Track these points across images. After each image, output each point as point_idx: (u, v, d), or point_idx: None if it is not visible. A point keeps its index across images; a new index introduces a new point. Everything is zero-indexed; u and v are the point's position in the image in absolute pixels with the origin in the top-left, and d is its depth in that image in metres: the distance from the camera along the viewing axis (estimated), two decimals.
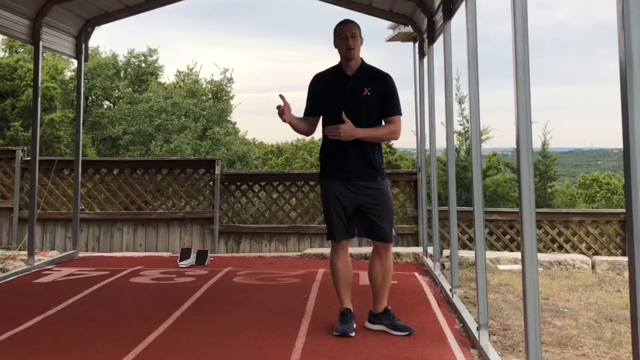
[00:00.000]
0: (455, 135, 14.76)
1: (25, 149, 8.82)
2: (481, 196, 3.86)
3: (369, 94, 3.96)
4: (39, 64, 6.49)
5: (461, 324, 4.20)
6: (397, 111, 4.02)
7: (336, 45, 4.04)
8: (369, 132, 3.92)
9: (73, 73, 20.90)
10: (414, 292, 5.25)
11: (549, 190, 16.13)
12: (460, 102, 14.10)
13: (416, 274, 6.11)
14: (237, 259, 7.18)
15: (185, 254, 6.70)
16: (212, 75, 28.77)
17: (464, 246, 8.07)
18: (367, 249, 7.28)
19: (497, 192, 14.87)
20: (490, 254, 6.89)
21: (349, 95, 3.96)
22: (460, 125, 14.53)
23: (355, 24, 4.05)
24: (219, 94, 22.88)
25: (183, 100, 21.45)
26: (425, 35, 6.49)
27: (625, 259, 6.70)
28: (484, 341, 3.64)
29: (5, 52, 19.82)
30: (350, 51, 3.96)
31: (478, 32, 3.99)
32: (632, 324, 2.04)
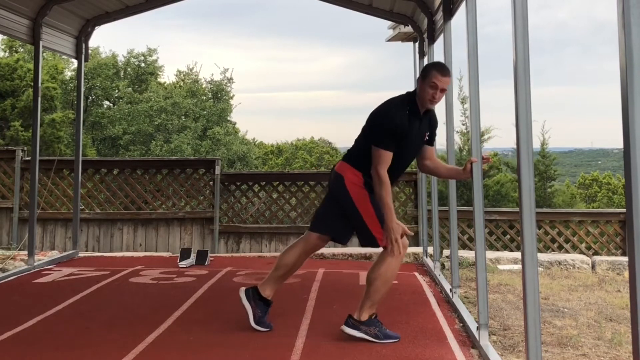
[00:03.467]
0: (457, 135, 14.83)
1: (25, 149, 8.81)
2: (481, 196, 3.86)
3: (427, 137, 3.97)
4: (39, 64, 6.48)
5: (461, 324, 4.20)
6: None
7: (423, 86, 3.77)
8: (386, 208, 3.76)
9: (73, 73, 20.89)
10: (414, 292, 5.25)
11: (549, 190, 16.11)
12: (463, 102, 14.13)
13: (416, 274, 6.11)
14: (237, 259, 7.18)
15: (185, 254, 6.70)
16: (212, 75, 28.77)
17: (464, 246, 8.07)
18: (367, 249, 7.27)
19: (500, 192, 14.87)
20: (490, 254, 6.90)
21: (419, 137, 3.89)
22: (463, 124, 14.56)
23: (451, 77, 3.89)
24: (219, 94, 22.87)
25: (183, 100, 21.45)
26: (425, 35, 6.49)
27: (625, 259, 6.70)
28: (484, 341, 3.65)
29: (5, 52, 19.81)
30: (432, 103, 3.81)
31: (478, 32, 4.00)
32: (632, 324, 2.04)
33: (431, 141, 4.04)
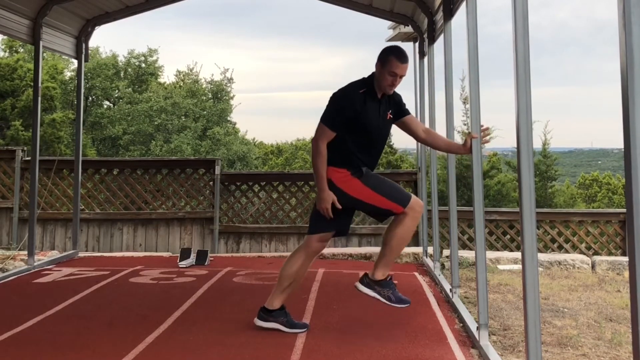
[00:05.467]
0: (459, 135, 14.81)
1: (25, 149, 8.81)
2: (481, 196, 3.86)
3: (390, 116, 3.96)
4: (39, 64, 6.48)
5: (461, 324, 4.20)
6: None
7: (382, 72, 3.79)
8: (319, 179, 3.81)
9: (73, 73, 20.91)
10: (414, 292, 5.25)
11: (550, 190, 16.13)
12: (465, 102, 14.16)
13: (416, 274, 6.11)
14: (237, 259, 7.17)
15: (185, 254, 6.70)
16: (212, 75, 28.81)
17: (464, 246, 8.08)
18: (367, 249, 7.29)
19: (501, 192, 14.89)
20: (490, 254, 6.89)
21: (381, 118, 3.89)
22: (465, 125, 14.57)
23: (408, 62, 3.88)
24: (219, 94, 22.90)
25: (183, 100, 21.47)
26: (425, 35, 6.49)
27: (625, 259, 6.71)
28: (484, 341, 3.65)
29: (5, 52, 19.82)
30: (391, 89, 3.84)
31: (479, 32, 4.00)
32: (632, 324, 2.04)
33: (403, 112, 4.01)
